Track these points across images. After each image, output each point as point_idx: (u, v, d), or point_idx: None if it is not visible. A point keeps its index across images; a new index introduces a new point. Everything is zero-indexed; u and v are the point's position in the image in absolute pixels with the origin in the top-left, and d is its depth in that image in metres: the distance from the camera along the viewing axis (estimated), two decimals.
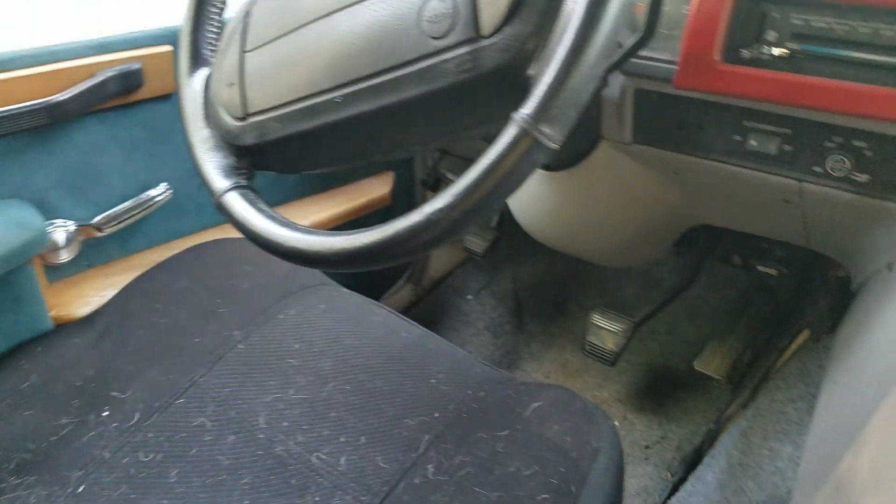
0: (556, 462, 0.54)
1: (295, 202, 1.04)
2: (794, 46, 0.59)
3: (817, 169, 0.64)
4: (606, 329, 1.14)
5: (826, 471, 0.57)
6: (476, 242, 1.21)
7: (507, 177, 0.41)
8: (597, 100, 0.73)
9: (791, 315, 1.04)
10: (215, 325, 0.72)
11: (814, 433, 0.63)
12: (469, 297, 1.32)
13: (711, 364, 1.16)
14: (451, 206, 0.42)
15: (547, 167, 0.79)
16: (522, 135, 0.40)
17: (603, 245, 0.87)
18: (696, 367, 1.18)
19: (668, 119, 0.69)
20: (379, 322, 0.72)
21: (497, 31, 0.42)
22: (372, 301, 0.77)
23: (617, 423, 1.23)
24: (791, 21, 0.59)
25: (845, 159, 0.61)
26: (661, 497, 1.04)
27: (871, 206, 0.63)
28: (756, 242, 0.84)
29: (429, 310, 1.34)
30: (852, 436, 0.55)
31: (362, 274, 1.20)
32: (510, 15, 0.42)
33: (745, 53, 0.61)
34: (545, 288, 1.40)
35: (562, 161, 0.77)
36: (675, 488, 1.00)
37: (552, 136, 0.40)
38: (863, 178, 0.62)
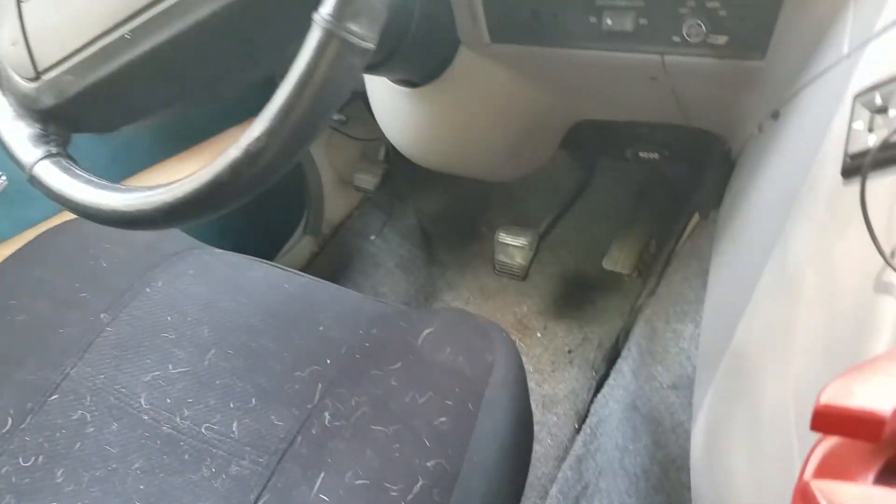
0: (451, 384, 0.53)
1: (155, 167, 0.97)
2: None
3: (675, 38, 0.62)
4: (513, 245, 1.13)
5: (723, 342, 0.58)
6: (365, 179, 1.17)
7: (324, 88, 0.37)
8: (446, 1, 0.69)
9: (685, 199, 1.06)
10: (79, 311, 0.67)
11: (708, 307, 0.64)
12: (372, 237, 1.29)
13: (619, 261, 1.18)
14: (270, 133, 0.38)
15: (409, 83, 0.75)
16: (328, 37, 0.36)
17: (486, 158, 0.85)
18: (605, 267, 1.20)
19: (522, 10, 0.66)
20: (258, 278, 0.68)
21: None
22: (248, 258, 0.73)
23: (539, 335, 1.24)
24: None
25: (700, 23, 0.60)
26: (589, 396, 1.07)
27: (735, 70, 0.63)
28: (637, 130, 0.84)
29: (333, 258, 1.30)
30: (743, 305, 0.56)
31: (248, 232, 1.15)
32: None
33: None
34: (450, 216, 1.38)
35: (422, 74, 0.73)
36: (599, 385, 1.02)
37: (363, 35, 0.37)
38: (721, 40, 0.61)
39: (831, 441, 0.36)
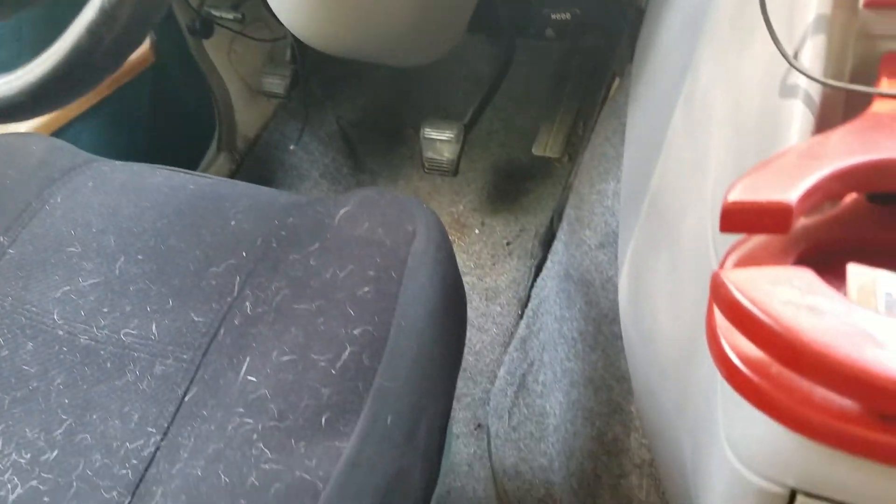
0: (371, 255, 0.52)
1: None
2: None
3: None
4: (439, 139, 1.12)
5: (642, 188, 0.58)
6: (274, 83, 1.12)
7: None
8: None
9: (605, 68, 1.05)
10: None
11: (627, 159, 0.65)
12: (292, 147, 1.25)
13: (548, 146, 1.18)
14: None
15: None
16: None
17: (389, 37, 0.82)
18: (535, 153, 1.20)
19: None
20: (160, 182, 0.66)
21: None
22: (150, 165, 0.70)
23: (478, 231, 1.24)
24: None
25: None
26: (530, 281, 1.09)
27: None
28: None
29: (253, 174, 1.27)
30: (658, 147, 0.56)
31: (156, 157, 1.10)
32: None
33: None
34: (373, 119, 1.35)
35: None
36: (538, 270, 1.04)
37: None
38: None
39: (746, 244, 0.37)
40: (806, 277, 0.30)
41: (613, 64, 0.92)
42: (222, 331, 0.53)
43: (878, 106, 0.37)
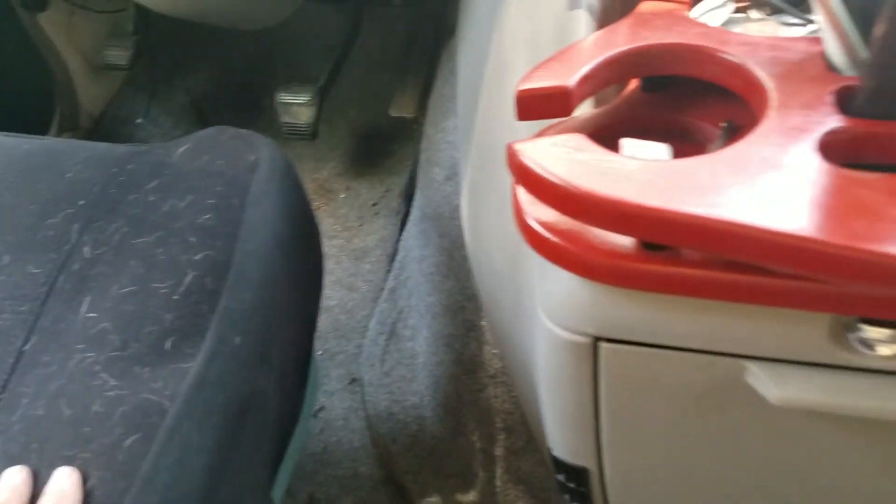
0: (212, 185, 0.53)
1: None
2: None
3: None
4: (295, 103, 1.13)
5: (472, 110, 0.62)
6: (116, 54, 1.09)
7: None
8: None
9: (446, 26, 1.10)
10: None
11: (459, 95, 0.69)
12: (139, 120, 1.21)
13: (404, 106, 1.21)
14: None
15: None
16: None
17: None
18: (392, 114, 1.23)
19: None
20: None
21: None
22: None
23: (343, 195, 1.26)
24: None
25: None
26: (396, 236, 1.12)
27: None
28: None
29: None
30: (480, 83, 0.60)
31: None
32: None
33: None
34: (224, 90, 1.33)
35: None
36: (403, 224, 1.07)
37: None
38: None
39: (543, 133, 0.42)
40: (577, 139, 0.35)
41: (453, 22, 0.97)
42: (62, 278, 0.52)
43: (643, 6, 0.43)
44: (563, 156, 0.34)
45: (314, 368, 0.66)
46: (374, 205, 1.22)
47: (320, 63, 1.29)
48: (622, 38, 0.40)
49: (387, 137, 1.27)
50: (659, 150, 0.35)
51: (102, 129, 1.22)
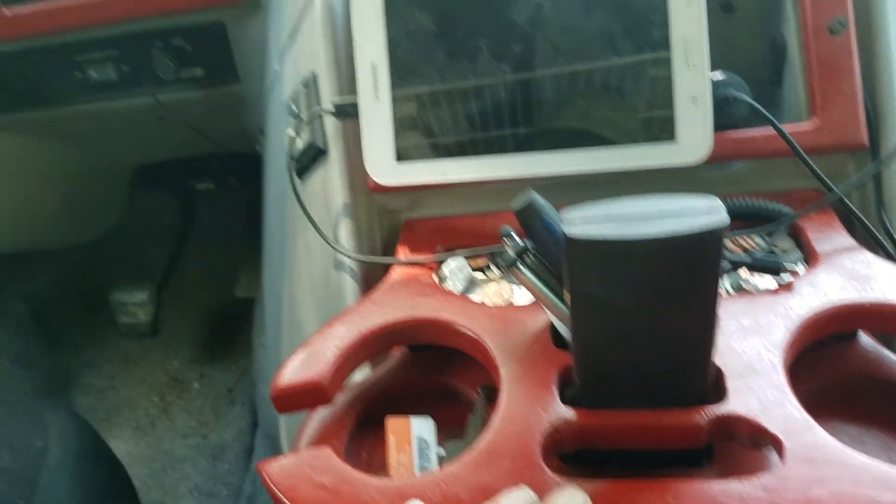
0: None
1: None
2: None
3: (164, 75, 0.68)
4: (131, 303, 1.13)
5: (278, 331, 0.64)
6: None
7: None
8: None
9: None
10: None
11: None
12: None
13: (249, 286, 1.23)
14: None
15: None
16: None
17: (43, 225, 0.83)
18: (239, 295, 1.24)
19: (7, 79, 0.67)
20: None
21: None
22: None
23: (197, 385, 1.24)
24: None
25: (169, 62, 0.66)
26: (251, 429, 1.11)
27: (223, 95, 0.70)
28: (193, 163, 0.89)
29: None
30: (281, 292, 0.63)
31: None
32: None
33: None
34: (64, 291, 1.31)
35: None
36: (255, 413, 1.06)
37: None
38: (198, 72, 0.67)
39: (315, 415, 0.44)
40: (322, 456, 0.37)
41: None
42: None
43: (395, 273, 0.47)
44: (305, 478, 0.36)
45: None
46: (230, 391, 1.21)
47: (158, 250, 1.30)
48: (374, 313, 0.43)
49: (236, 318, 1.28)
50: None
51: None
